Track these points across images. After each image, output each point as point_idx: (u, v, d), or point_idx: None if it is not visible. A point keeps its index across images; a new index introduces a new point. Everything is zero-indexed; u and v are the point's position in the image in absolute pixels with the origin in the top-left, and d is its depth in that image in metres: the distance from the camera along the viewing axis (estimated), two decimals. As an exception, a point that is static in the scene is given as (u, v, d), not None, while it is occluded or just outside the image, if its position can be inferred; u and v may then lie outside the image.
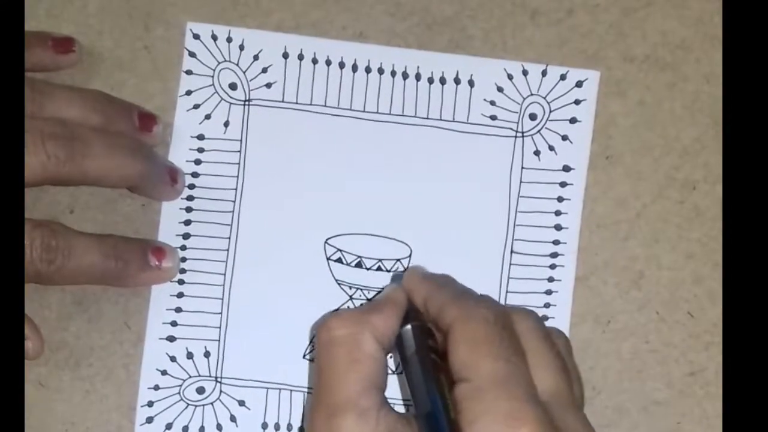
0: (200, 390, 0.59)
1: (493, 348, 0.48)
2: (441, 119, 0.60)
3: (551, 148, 0.60)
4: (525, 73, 0.60)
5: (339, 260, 0.59)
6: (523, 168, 0.60)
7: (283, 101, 0.60)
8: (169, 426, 0.59)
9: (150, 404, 0.59)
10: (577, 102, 0.60)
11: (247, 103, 0.60)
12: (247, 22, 0.60)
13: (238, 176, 0.60)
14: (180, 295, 0.59)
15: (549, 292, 0.59)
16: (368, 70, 0.60)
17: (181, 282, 0.59)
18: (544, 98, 0.60)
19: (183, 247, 0.59)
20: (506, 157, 0.60)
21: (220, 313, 0.59)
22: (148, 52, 0.60)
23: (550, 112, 0.60)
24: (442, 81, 0.60)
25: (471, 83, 0.60)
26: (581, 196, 0.60)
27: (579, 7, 0.60)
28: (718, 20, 0.60)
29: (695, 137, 0.60)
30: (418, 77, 0.60)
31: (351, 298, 0.59)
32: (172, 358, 0.59)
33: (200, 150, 0.60)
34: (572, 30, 0.60)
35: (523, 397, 0.47)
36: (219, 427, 0.59)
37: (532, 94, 0.60)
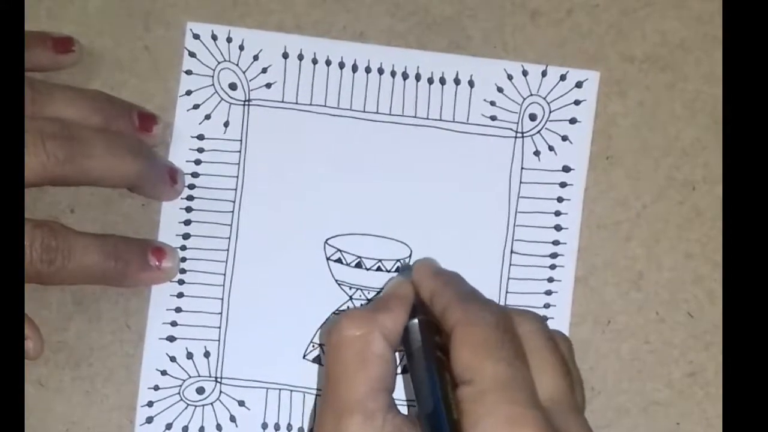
0: (200, 390, 0.59)
1: (495, 351, 0.48)
2: (441, 119, 0.60)
3: (551, 148, 0.60)
4: (525, 73, 0.60)
5: (339, 260, 0.59)
6: (522, 168, 0.60)
7: (282, 101, 0.60)
8: (168, 426, 0.59)
9: (150, 404, 0.59)
10: (577, 102, 0.60)
11: (247, 103, 0.60)
12: (247, 22, 0.60)
13: (237, 176, 0.60)
14: (180, 295, 0.59)
15: (549, 293, 0.59)
16: (368, 70, 0.60)
17: (181, 282, 0.59)
18: (544, 98, 0.60)
19: (183, 247, 0.59)
20: (506, 158, 0.60)
21: (220, 313, 0.59)
22: (148, 52, 0.60)
23: (550, 112, 0.60)
24: (442, 81, 0.60)
25: (471, 83, 0.60)
26: (581, 196, 0.60)
27: (579, 7, 0.60)
28: (718, 20, 0.60)
29: (695, 137, 0.60)
30: (418, 77, 0.60)
31: (351, 298, 0.59)
32: (172, 358, 0.59)
33: (200, 150, 0.60)
34: (572, 30, 0.60)
35: (524, 401, 0.47)
36: (219, 427, 0.59)
37: (532, 95, 0.60)
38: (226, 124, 0.60)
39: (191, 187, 0.60)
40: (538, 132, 0.60)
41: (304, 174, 0.60)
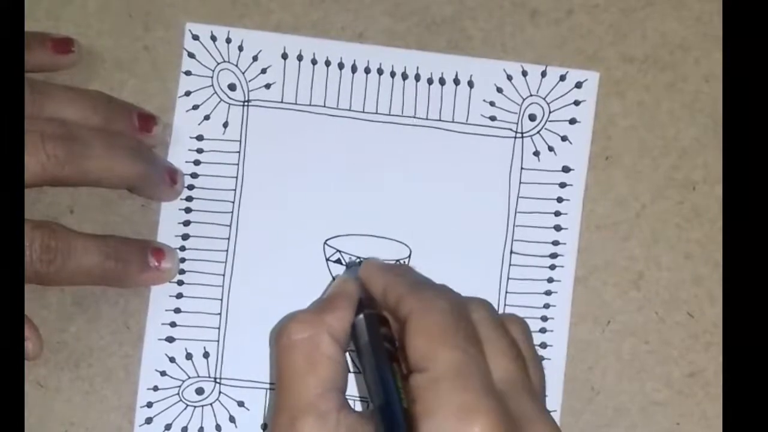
0: (199, 391, 0.59)
1: (449, 338, 0.48)
2: (440, 120, 0.60)
3: (551, 148, 0.60)
4: (524, 73, 0.60)
5: (338, 261, 0.59)
6: (522, 169, 0.60)
7: (282, 102, 0.60)
8: (168, 427, 0.59)
9: (149, 405, 0.59)
10: (576, 103, 0.60)
11: (246, 103, 0.60)
12: (247, 23, 0.60)
13: (237, 177, 0.60)
14: (179, 295, 0.59)
15: (548, 293, 0.59)
16: (367, 70, 0.60)
17: (180, 283, 0.59)
18: (544, 99, 0.60)
19: (182, 248, 0.59)
20: (506, 158, 0.60)
21: (220, 314, 0.59)
22: (148, 52, 0.60)
23: (550, 112, 0.60)
24: (442, 82, 0.60)
25: (470, 84, 0.60)
26: (581, 196, 0.60)
27: (578, 7, 0.60)
28: (718, 20, 0.60)
29: (695, 137, 0.60)
30: (417, 78, 0.60)
31: (350, 298, 0.59)
32: (172, 359, 0.59)
33: (199, 151, 0.60)
34: (572, 30, 0.60)
35: (478, 388, 0.47)
36: (218, 427, 0.59)
37: (531, 95, 0.60)
38: (226, 125, 0.60)
39: (190, 187, 0.60)
40: (538, 132, 0.60)
41: (304, 174, 0.60)
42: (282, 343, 0.51)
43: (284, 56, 0.60)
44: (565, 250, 0.60)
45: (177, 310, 0.59)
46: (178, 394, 0.59)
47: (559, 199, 0.60)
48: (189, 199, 0.60)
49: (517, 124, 0.60)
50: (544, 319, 0.59)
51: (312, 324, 0.52)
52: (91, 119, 0.57)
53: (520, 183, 0.60)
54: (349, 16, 0.60)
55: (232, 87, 0.60)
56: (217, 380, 0.59)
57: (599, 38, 0.60)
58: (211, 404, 0.59)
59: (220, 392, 0.59)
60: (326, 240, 0.59)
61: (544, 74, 0.60)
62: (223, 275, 0.59)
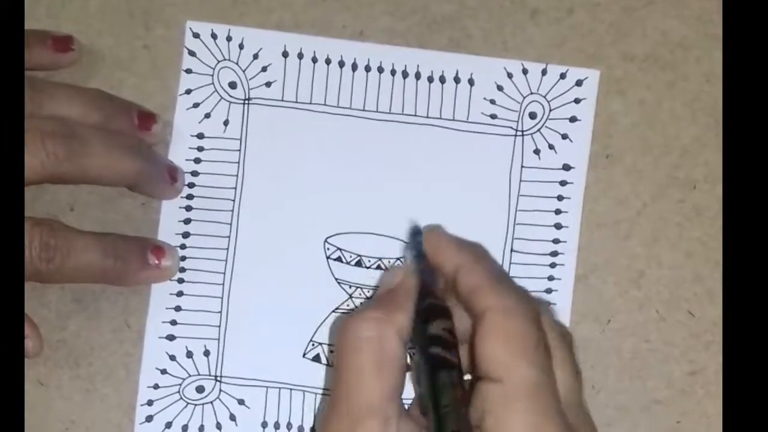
0: (200, 389, 0.59)
1: (530, 352, 0.47)
2: (441, 118, 0.60)
3: (551, 146, 0.60)
4: (525, 71, 0.60)
5: (339, 259, 0.59)
6: (523, 167, 0.60)
7: (282, 100, 0.60)
8: (168, 425, 0.59)
9: (150, 403, 0.59)
10: (577, 101, 0.60)
11: (246, 101, 0.60)
12: (247, 21, 0.60)
13: (237, 175, 0.60)
14: (180, 293, 0.59)
15: (549, 291, 0.59)
16: (368, 68, 0.60)
17: (180, 281, 0.59)
18: (544, 97, 0.60)
19: (183, 246, 0.59)
20: (506, 156, 0.60)
21: (220, 312, 0.59)
22: (148, 50, 0.60)
23: (550, 110, 0.60)
24: (442, 80, 0.60)
25: (471, 82, 0.60)
26: (581, 194, 0.60)
27: (579, 6, 0.60)
28: (718, 19, 0.60)
29: (695, 136, 0.60)
30: (418, 76, 0.60)
31: (351, 297, 0.59)
32: (172, 357, 0.59)
33: (200, 149, 0.60)
34: (572, 29, 0.60)
35: (550, 411, 0.47)
36: (219, 426, 0.59)
37: (532, 93, 0.60)
38: (226, 123, 0.60)
39: (191, 185, 0.60)
40: (538, 130, 0.60)
41: (304, 172, 0.60)
42: (347, 341, 0.49)
43: (285, 54, 0.60)
44: (566, 249, 0.60)
45: (177, 308, 0.59)
46: (178, 392, 0.59)
47: (560, 198, 0.60)
48: (189, 197, 0.60)
49: (518, 122, 0.60)
50: (545, 317, 0.59)
51: (381, 322, 0.49)
52: (90, 117, 0.57)
53: (521, 181, 0.60)
54: (349, 14, 0.60)
55: (232, 85, 0.60)
56: (218, 378, 0.59)
57: (600, 37, 0.60)
58: (211, 402, 0.59)
59: (220, 390, 0.59)
60: (327, 238, 0.59)
61: (544, 72, 0.60)
62: (224, 273, 0.59)
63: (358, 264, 0.59)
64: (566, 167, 0.60)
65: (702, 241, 0.59)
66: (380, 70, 0.60)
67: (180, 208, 0.60)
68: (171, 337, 0.59)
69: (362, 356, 0.49)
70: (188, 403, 0.59)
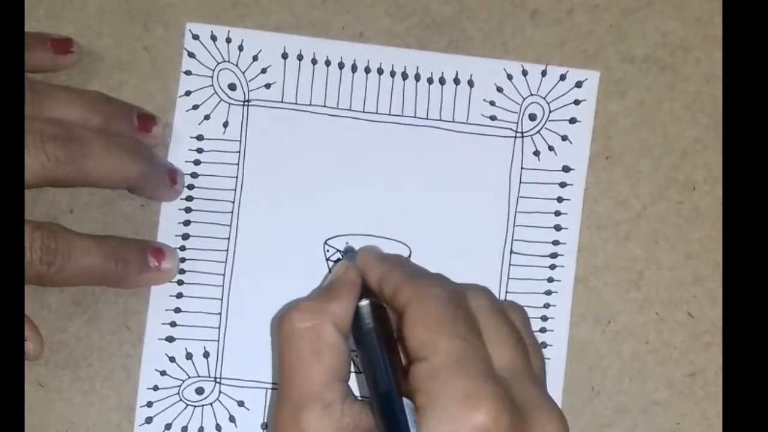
0: (199, 390, 0.59)
1: (448, 326, 0.48)
2: (440, 119, 0.60)
3: (551, 148, 0.60)
4: (525, 73, 0.60)
5: (338, 261, 0.59)
6: (522, 168, 0.60)
7: (282, 102, 0.60)
8: (168, 426, 0.59)
9: (149, 404, 0.59)
10: (576, 102, 0.60)
11: (246, 103, 0.60)
12: (247, 23, 0.60)
13: (237, 177, 0.60)
14: (179, 295, 0.59)
15: (549, 293, 0.59)
16: (368, 70, 0.60)
17: (180, 282, 0.59)
18: (544, 98, 0.60)
19: (182, 248, 0.59)
20: (506, 158, 0.60)
21: (220, 314, 0.59)
22: (148, 52, 0.60)
23: (550, 112, 0.60)
24: (442, 81, 0.60)
25: (470, 83, 0.60)
26: (581, 196, 0.60)
27: (579, 7, 0.60)
28: (718, 20, 0.60)
29: (695, 137, 0.60)
30: (417, 77, 0.60)
31: (350, 298, 0.59)
32: (172, 359, 0.59)
33: (199, 150, 0.60)
34: (572, 30, 0.60)
35: (480, 375, 0.47)
36: (218, 427, 0.59)
37: (531, 95, 0.60)
38: (226, 125, 0.60)
39: (190, 187, 0.60)
40: (538, 132, 0.60)
41: (304, 174, 0.60)
42: (284, 332, 0.51)
43: (284, 56, 0.60)
44: (566, 250, 0.59)
45: (177, 310, 0.59)
46: (178, 393, 0.59)
47: (560, 199, 0.60)
48: (189, 198, 0.60)
49: (518, 123, 0.60)
50: (545, 318, 0.59)
51: (315, 312, 0.51)
52: (90, 120, 0.57)
53: (521, 183, 0.60)
54: (349, 15, 0.60)
55: (232, 87, 0.60)
56: (217, 380, 0.59)
57: (599, 38, 0.60)
58: (211, 404, 0.59)
59: (220, 392, 0.59)
60: (326, 240, 0.59)
61: (544, 74, 0.60)
62: (223, 275, 0.59)
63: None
64: (566, 169, 0.60)
65: (702, 242, 0.59)
66: (380, 71, 0.60)
67: (179, 209, 0.60)
68: (170, 339, 0.59)
69: (298, 345, 0.50)
70: (188, 405, 0.59)
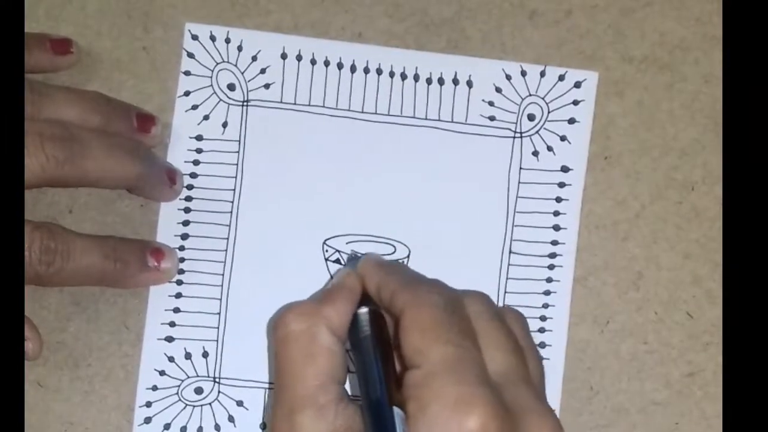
0: (198, 390, 0.59)
1: (443, 333, 0.48)
2: (439, 120, 0.60)
3: (550, 148, 0.60)
4: (523, 73, 0.60)
5: (337, 261, 0.59)
6: (521, 168, 0.60)
7: (281, 102, 0.60)
8: (167, 426, 0.59)
9: (148, 404, 0.59)
10: (575, 102, 0.60)
11: (245, 103, 0.60)
12: (246, 23, 0.60)
13: (236, 177, 0.60)
14: (178, 295, 0.59)
15: (547, 293, 0.59)
16: (366, 70, 0.60)
17: (179, 282, 0.59)
18: (543, 99, 0.60)
19: (181, 248, 0.59)
20: (505, 158, 0.60)
21: (219, 314, 0.59)
22: (147, 52, 0.60)
23: (549, 112, 0.60)
24: (441, 82, 0.60)
25: (469, 84, 0.60)
26: (580, 196, 0.60)
27: (577, 7, 0.60)
28: (718, 20, 0.60)
29: (694, 138, 0.60)
30: (416, 78, 0.60)
31: (350, 298, 0.59)
32: (171, 359, 0.59)
33: (198, 151, 0.60)
34: (571, 31, 0.60)
35: (473, 380, 0.47)
36: (217, 427, 0.59)
37: (530, 95, 0.60)
38: (225, 125, 0.60)
39: (190, 187, 0.60)
40: (537, 132, 0.60)
41: (303, 174, 0.60)
42: (279, 335, 0.51)
43: (283, 56, 0.60)
44: (564, 250, 0.59)
45: (176, 310, 0.59)
46: (177, 393, 0.59)
47: (558, 199, 0.60)
48: (188, 198, 0.60)
49: (516, 123, 0.60)
50: (543, 318, 0.59)
51: (310, 315, 0.51)
52: (90, 120, 0.57)
53: (519, 183, 0.60)
54: (348, 16, 0.60)
55: (231, 87, 0.60)
56: (216, 380, 0.59)
57: (598, 38, 0.60)
58: (210, 404, 0.59)
59: (219, 392, 0.59)
60: (325, 240, 0.59)
61: (543, 74, 0.60)
62: (222, 275, 0.59)
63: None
64: (565, 169, 0.60)
65: (701, 242, 0.59)
66: (379, 71, 0.60)
67: (179, 209, 0.60)
68: (170, 339, 0.59)
69: (293, 347, 0.50)
70: (187, 405, 0.59)
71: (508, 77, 0.60)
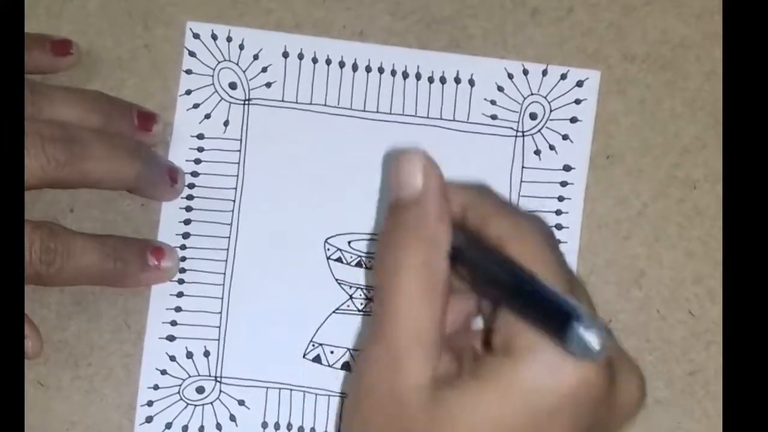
0: (200, 389, 0.59)
1: (555, 269, 0.46)
2: (441, 118, 0.60)
3: (552, 147, 0.60)
4: (525, 72, 0.60)
5: (339, 260, 0.59)
6: (523, 167, 0.60)
7: (282, 101, 0.60)
8: (168, 425, 0.59)
9: (149, 404, 0.59)
10: (577, 101, 0.60)
11: (246, 102, 0.60)
12: (247, 22, 0.60)
13: (237, 176, 0.60)
14: (180, 294, 0.59)
15: (549, 292, 0.59)
16: (368, 69, 0.60)
17: (180, 281, 0.59)
18: (545, 98, 0.60)
19: (183, 247, 0.59)
20: (507, 157, 0.60)
21: (220, 313, 0.59)
22: (148, 51, 0.60)
23: (551, 111, 0.60)
24: (443, 80, 0.60)
25: (471, 82, 0.60)
26: (582, 195, 0.60)
27: (579, 5, 0.60)
28: (719, 18, 0.60)
29: (696, 136, 0.60)
30: (418, 77, 0.60)
31: (351, 297, 0.59)
32: (172, 358, 0.59)
33: (200, 149, 0.60)
34: (572, 29, 0.60)
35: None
36: (219, 426, 0.59)
37: (532, 94, 0.60)
38: (226, 124, 0.60)
39: (191, 186, 0.60)
40: (539, 131, 0.60)
41: (304, 173, 0.60)
42: (392, 265, 0.46)
43: (285, 55, 0.60)
44: (566, 249, 0.59)
45: (177, 309, 0.59)
46: (178, 392, 0.59)
47: (560, 198, 0.60)
48: (190, 197, 0.60)
49: (518, 122, 0.60)
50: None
51: (428, 244, 0.46)
52: (90, 120, 0.57)
53: (521, 182, 0.60)
54: (349, 14, 0.60)
55: (232, 86, 0.60)
56: (218, 379, 0.59)
57: (600, 36, 0.60)
58: (211, 403, 0.59)
59: (220, 391, 0.59)
60: (327, 238, 0.59)
61: (545, 73, 0.60)
62: (224, 274, 0.59)
63: (359, 265, 0.59)
64: (567, 168, 0.60)
65: (702, 240, 0.59)
66: (380, 70, 0.60)
67: (180, 208, 0.60)
68: (171, 338, 0.59)
69: (409, 283, 0.46)
70: (188, 404, 0.59)
71: (510, 76, 0.60)
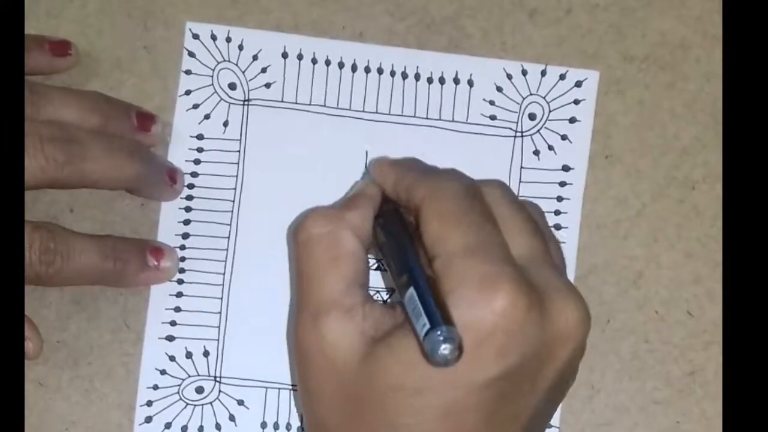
0: (199, 389, 0.59)
1: (464, 219, 0.48)
2: (440, 119, 0.60)
3: (551, 147, 0.60)
4: (524, 72, 0.60)
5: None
6: (522, 168, 0.60)
7: (282, 101, 0.60)
8: (168, 425, 0.59)
9: (149, 404, 0.59)
10: (576, 102, 0.60)
11: (246, 102, 0.60)
12: (247, 22, 0.60)
13: (237, 176, 0.60)
14: (179, 294, 0.59)
15: (548, 292, 0.59)
16: (367, 70, 0.60)
17: (180, 282, 0.59)
18: (544, 98, 0.60)
19: (182, 247, 0.59)
20: (505, 157, 0.60)
21: (220, 313, 0.59)
22: (148, 51, 0.60)
23: (550, 111, 0.60)
24: (442, 81, 0.60)
25: (470, 83, 0.60)
26: (581, 195, 0.60)
27: (578, 6, 0.60)
28: (718, 19, 0.60)
29: (695, 136, 0.60)
30: (417, 77, 0.60)
31: (350, 297, 0.59)
32: (171, 358, 0.59)
33: (199, 150, 0.60)
34: (571, 29, 0.60)
35: (496, 260, 0.47)
36: (218, 426, 0.59)
37: (531, 94, 0.60)
38: (226, 124, 0.60)
39: (190, 186, 0.60)
40: (538, 131, 0.60)
41: (304, 174, 0.60)
42: (301, 238, 0.51)
43: (284, 55, 0.60)
44: (565, 249, 0.59)
45: (177, 309, 0.59)
46: (178, 392, 0.59)
47: (559, 198, 0.60)
48: (189, 198, 0.60)
49: (517, 123, 0.60)
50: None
51: (332, 219, 0.51)
52: (89, 120, 0.57)
53: (520, 182, 0.60)
54: (349, 15, 0.60)
55: (232, 86, 0.60)
56: (217, 379, 0.59)
57: (599, 37, 0.60)
58: (210, 403, 0.59)
59: (220, 391, 0.59)
60: (326, 239, 0.59)
61: (543, 73, 0.60)
62: (223, 274, 0.59)
63: None
64: (566, 168, 0.60)
65: (701, 241, 0.59)
66: (380, 71, 0.60)
67: (179, 209, 0.60)
68: (170, 338, 0.59)
69: (316, 251, 0.50)
70: (188, 404, 0.59)
71: (509, 76, 0.60)
